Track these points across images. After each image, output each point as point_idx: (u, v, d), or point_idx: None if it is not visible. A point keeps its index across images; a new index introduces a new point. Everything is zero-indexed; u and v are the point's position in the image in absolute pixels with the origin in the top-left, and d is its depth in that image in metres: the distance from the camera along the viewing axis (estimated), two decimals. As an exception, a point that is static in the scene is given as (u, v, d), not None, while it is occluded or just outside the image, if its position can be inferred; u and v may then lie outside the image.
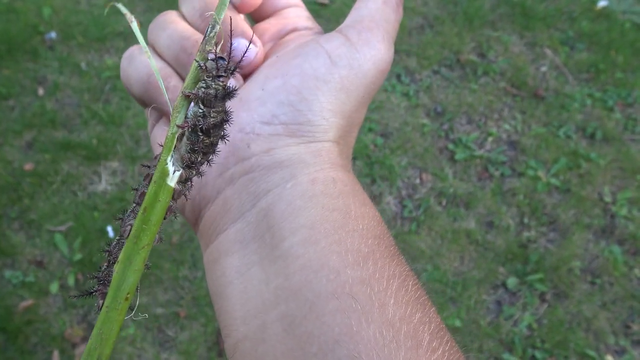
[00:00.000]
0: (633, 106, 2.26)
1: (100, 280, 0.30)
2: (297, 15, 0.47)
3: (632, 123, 2.20)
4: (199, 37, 0.43)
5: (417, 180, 2.06)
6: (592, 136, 2.16)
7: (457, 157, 2.10)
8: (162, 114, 0.45)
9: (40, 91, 2.30)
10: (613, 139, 2.15)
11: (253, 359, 0.34)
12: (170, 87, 0.43)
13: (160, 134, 0.45)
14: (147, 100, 0.44)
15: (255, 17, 0.49)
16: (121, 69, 0.45)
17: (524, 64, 2.38)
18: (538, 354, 1.69)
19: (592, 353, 1.69)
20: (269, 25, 0.47)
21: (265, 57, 0.45)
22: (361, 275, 0.33)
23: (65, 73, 2.35)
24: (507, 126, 2.20)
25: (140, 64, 0.44)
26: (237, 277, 0.37)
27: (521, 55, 2.42)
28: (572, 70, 2.37)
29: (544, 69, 2.39)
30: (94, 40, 2.45)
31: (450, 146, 2.14)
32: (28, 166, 2.07)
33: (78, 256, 1.86)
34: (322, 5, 2.56)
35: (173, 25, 0.44)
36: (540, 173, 2.06)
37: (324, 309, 0.32)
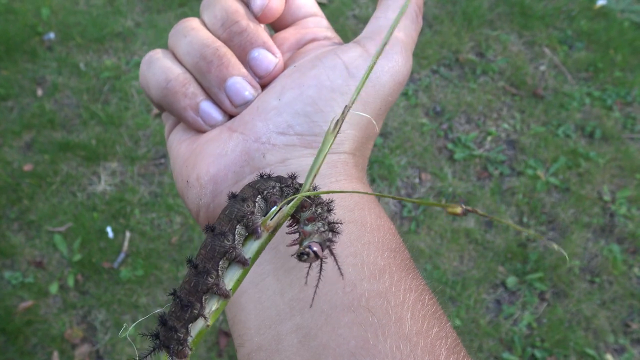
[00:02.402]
0: (632, 105, 2.26)
1: (181, 340, 0.31)
2: (316, 24, 0.47)
3: (631, 122, 2.21)
4: (219, 44, 0.43)
5: (417, 180, 2.06)
6: (591, 135, 2.17)
7: (456, 156, 2.10)
8: (180, 120, 0.45)
9: (39, 92, 2.30)
10: (612, 138, 2.15)
11: None
12: (188, 94, 0.43)
13: (177, 141, 0.45)
14: (164, 105, 0.44)
15: (275, 26, 0.49)
16: (140, 72, 0.45)
17: (522, 63, 2.38)
18: (538, 353, 1.70)
19: (591, 352, 1.69)
20: (289, 35, 0.47)
21: (284, 67, 0.45)
22: (377, 288, 0.33)
23: (64, 74, 2.35)
24: (506, 125, 2.21)
25: (159, 69, 0.44)
26: (251, 287, 0.37)
27: (520, 54, 2.42)
28: (571, 69, 2.37)
29: (542, 68, 2.39)
30: (92, 41, 2.45)
31: (450, 145, 2.14)
32: (27, 167, 2.07)
33: (77, 256, 1.86)
34: (321, 5, 2.56)
35: (194, 32, 0.44)
36: (540, 172, 2.06)
37: (339, 321, 0.32)
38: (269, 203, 0.32)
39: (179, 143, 0.45)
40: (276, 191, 0.33)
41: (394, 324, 0.31)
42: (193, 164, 0.42)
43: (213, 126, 0.44)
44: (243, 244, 0.32)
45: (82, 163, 2.09)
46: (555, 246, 0.26)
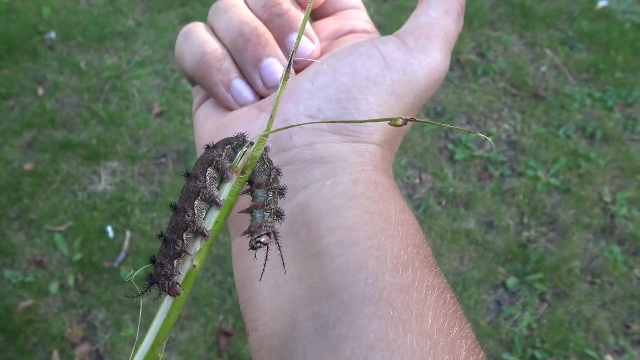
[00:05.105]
0: (633, 106, 2.26)
1: (169, 276, 0.33)
2: (357, 17, 0.47)
3: (632, 123, 2.21)
4: (259, 24, 0.43)
5: (417, 181, 2.06)
6: (592, 136, 2.16)
7: (457, 157, 2.10)
8: (211, 95, 0.45)
9: (40, 91, 2.30)
10: (613, 139, 2.15)
11: (281, 356, 0.33)
12: (222, 70, 0.43)
13: (205, 116, 0.45)
14: (197, 79, 0.44)
15: (316, 15, 0.49)
16: (177, 44, 0.45)
17: (524, 64, 2.38)
18: (538, 354, 1.69)
19: (592, 353, 1.69)
20: (328, 24, 0.47)
21: (321, 55, 0.45)
22: (400, 282, 0.33)
23: (65, 73, 2.35)
24: (507, 126, 2.21)
25: (197, 42, 0.44)
26: (268, 271, 0.36)
27: (521, 55, 2.42)
28: (572, 70, 2.37)
29: (544, 69, 2.39)
30: (93, 41, 2.45)
31: (450, 146, 2.14)
32: (28, 166, 2.07)
33: (78, 256, 1.86)
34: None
35: (235, 9, 0.44)
36: (540, 173, 2.06)
37: (359, 313, 0.31)
38: (235, 151, 0.35)
39: (206, 119, 0.45)
40: (240, 139, 0.36)
41: (415, 320, 0.31)
42: (218, 140, 0.42)
43: (242, 105, 0.43)
44: (219, 188, 0.34)
45: (82, 162, 2.09)
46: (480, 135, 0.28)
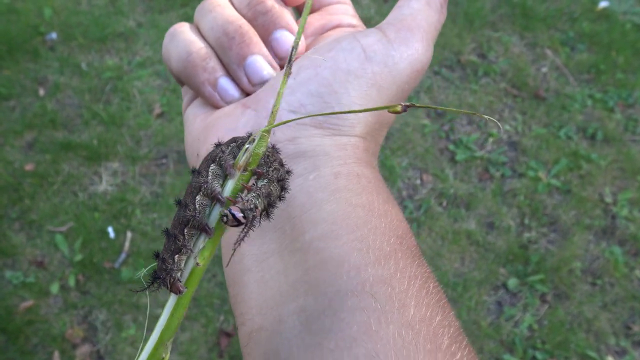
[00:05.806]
0: (634, 107, 2.26)
1: (169, 270, 0.33)
2: (343, 12, 0.48)
3: (633, 124, 2.20)
4: (243, 22, 0.43)
5: (418, 181, 2.06)
6: (592, 137, 2.16)
7: (457, 157, 2.10)
8: (197, 94, 0.45)
9: (41, 92, 2.30)
10: (614, 140, 2.15)
11: (267, 350, 0.34)
12: (208, 68, 0.43)
13: (193, 115, 0.45)
14: (184, 78, 0.45)
15: (302, 11, 0.49)
16: (163, 45, 0.46)
17: (524, 65, 2.38)
18: (539, 355, 1.69)
19: (592, 354, 1.69)
20: (313, 20, 0.47)
21: (306, 51, 0.45)
22: (382, 274, 0.33)
23: (65, 73, 2.35)
24: (507, 127, 2.20)
25: (182, 41, 0.44)
26: (255, 265, 0.37)
27: (522, 55, 2.42)
28: (572, 71, 2.37)
29: (544, 69, 2.39)
30: (94, 41, 2.45)
31: (451, 147, 2.14)
32: (29, 166, 2.07)
33: (79, 257, 1.86)
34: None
35: (219, 9, 0.44)
36: (541, 174, 2.06)
37: (342, 305, 0.32)
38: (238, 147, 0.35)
39: (194, 117, 0.45)
40: (245, 137, 0.35)
41: (397, 311, 0.31)
42: (205, 138, 0.43)
43: (229, 102, 0.44)
44: (222, 185, 0.34)
45: (83, 163, 2.09)
46: (486, 117, 0.28)
